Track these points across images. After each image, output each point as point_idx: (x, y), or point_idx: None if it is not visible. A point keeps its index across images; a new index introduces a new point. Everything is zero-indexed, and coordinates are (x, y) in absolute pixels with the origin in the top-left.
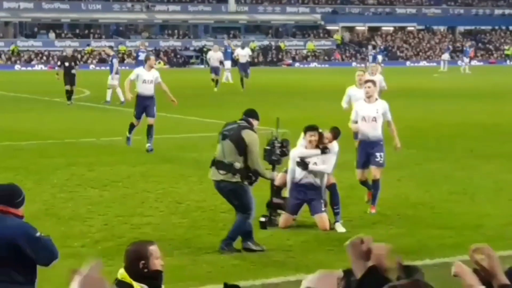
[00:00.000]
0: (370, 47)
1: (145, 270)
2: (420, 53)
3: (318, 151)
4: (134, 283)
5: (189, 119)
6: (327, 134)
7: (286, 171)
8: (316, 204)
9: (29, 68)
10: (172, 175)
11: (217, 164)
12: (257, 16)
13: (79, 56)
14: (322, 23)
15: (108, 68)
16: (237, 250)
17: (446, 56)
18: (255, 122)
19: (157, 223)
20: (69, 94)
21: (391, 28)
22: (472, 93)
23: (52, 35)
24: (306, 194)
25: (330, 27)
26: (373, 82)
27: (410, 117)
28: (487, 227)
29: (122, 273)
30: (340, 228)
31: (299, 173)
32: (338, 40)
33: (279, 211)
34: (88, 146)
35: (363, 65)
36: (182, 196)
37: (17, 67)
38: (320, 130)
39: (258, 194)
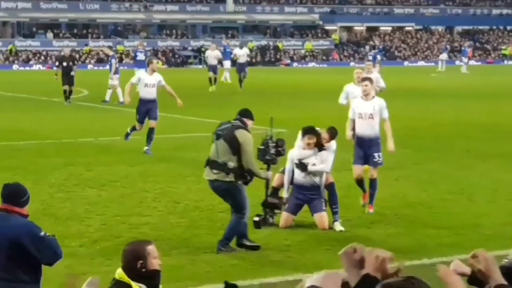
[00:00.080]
0: (367, 47)
1: (143, 270)
2: (418, 53)
3: (316, 150)
4: (132, 283)
5: (187, 119)
6: (324, 135)
7: (283, 171)
8: (316, 204)
9: (27, 68)
10: (170, 175)
11: (211, 163)
12: (255, 16)
13: (77, 56)
14: (320, 23)
15: (107, 68)
16: (234, 249)
17: (444, 56)
18: (249, 122)
19: (155, 223)
20: (67, 94)
21: (389, 28)
22: (469, 93)
23: (50, 35)
24: (307, 194)
25: (328, 27)
26: (370, 80)
27: (408, 116)
28: (485, 226)
29: (120, 273)
30: (338, 227)
31: (299, 174)
32: (336, 40)
33: (276, 211)
34: (86, 146)
35: (362, 65)
36: (180, 195)
37: (15, 67)
38: (317, 129)
39: (254, 194)
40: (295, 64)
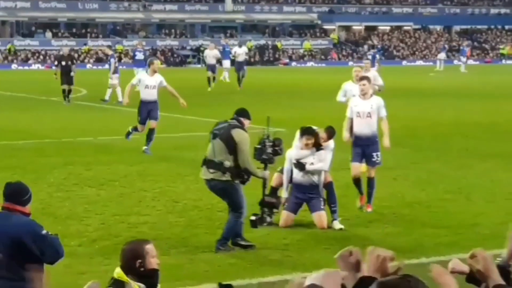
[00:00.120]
0: (366, 46)
1: (142, 269)
2: (416, 53)
3: (313, 150)
4: (131, 282)
5: (186, 118)
6: (322, 134)
7: (281, 171)
8: (315, 203)
9: (26, 67)
10: (169, 174)
11: (207, 163)
12: (254, 15)
13: (76, 55)
14: (319, 22)
15: (106, 67)
16: (233, 249)
17: (442, 55)
18: (246, 122)
19: (154, 222)
20: (66, 93)
21: (388, 28)
22: (468, 92)
23: (49, 34)
24: (306, 193)
25: (326, 27)
26: (368, 79)
27: (406, 116)
28: (483, 225)
29: (118, 272)
30: (338, 225)
31: (297, 173)
32: (335, 39)
33: (273, 210)
34: (85, 145)
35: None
36: (179, 195)
37: (14, 66)
38: (315, 128)
39: (252, 193)
40: (293, 63)
